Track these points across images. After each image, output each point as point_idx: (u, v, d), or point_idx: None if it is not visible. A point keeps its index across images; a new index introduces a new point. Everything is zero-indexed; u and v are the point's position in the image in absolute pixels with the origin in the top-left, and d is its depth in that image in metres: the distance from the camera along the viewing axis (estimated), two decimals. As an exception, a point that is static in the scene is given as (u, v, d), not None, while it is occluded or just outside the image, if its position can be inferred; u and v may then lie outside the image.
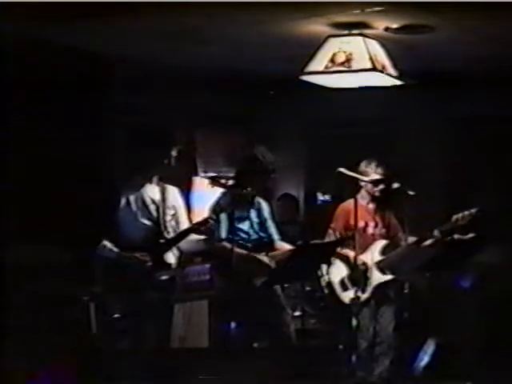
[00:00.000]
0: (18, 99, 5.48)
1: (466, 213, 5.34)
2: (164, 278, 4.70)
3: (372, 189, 5.67)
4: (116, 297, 4.61)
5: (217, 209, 5.05)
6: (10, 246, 5.33)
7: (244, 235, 5.28)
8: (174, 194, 4.91)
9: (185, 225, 4.87)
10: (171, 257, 4.79)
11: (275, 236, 5.44)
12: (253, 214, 5.37)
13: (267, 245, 5.34)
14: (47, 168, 5.66)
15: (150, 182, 4.81)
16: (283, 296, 5.37)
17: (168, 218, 4.80)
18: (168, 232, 4.78)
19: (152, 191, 4.80)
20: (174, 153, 4.76)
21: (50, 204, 5.48)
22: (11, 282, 5.21)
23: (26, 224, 5.39)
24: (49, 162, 5.67)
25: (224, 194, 5.19)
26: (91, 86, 5.94)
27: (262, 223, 5.39)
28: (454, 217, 5.37)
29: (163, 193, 4.82)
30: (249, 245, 5.23)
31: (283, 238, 5.46)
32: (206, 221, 4.74)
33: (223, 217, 5.13)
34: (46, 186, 5.59)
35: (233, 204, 4.99)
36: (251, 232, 5.32)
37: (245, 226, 5.30)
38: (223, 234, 5.15)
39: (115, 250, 4.60)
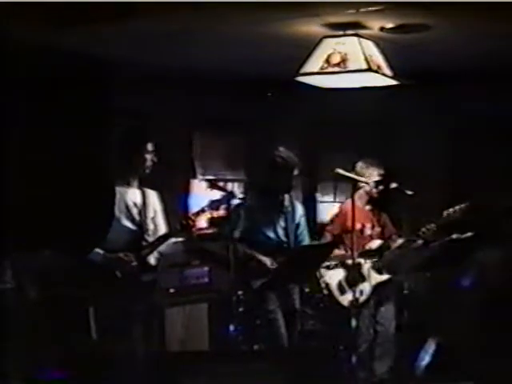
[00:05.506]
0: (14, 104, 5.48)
1: (457, 207, 5.39)
2: (148, 279, 4.79)
3: (371, 190, 5.67)
4: (108, 300, 4.62)
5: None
6: (9, 252, 5.31)
7: (265, 239, 5.27)
8: (153, 197, 4.99)
9: (162, 228, 4.96)
10: (152, 259, 4.87)
11: (306, 241, 5.42)
12: (281, 218, 5.34)
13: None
14: (41, 173, 5.63)
15: (130, 185, 4.87)
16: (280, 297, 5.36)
17: (149, 220, 4.89)
18: (149, 235, 4.87)
19: (133, 194, 4.88)
20: (149, 147, 4.78)
21: (43, 210, 5.45)
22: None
23: (23, 230, 5.36)
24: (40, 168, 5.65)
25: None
26: (86, 88, 5.91)
27: (289, 228, 5.34)
28: (445, 212, 5.41)
29: (144, 196, 4.89)
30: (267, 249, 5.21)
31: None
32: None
33: (242, 218, 5.15)
34: (38, 192, 5.55)
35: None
36: (273, 236, 5.30)
37: (269, 230, 5.28)
38: (236, 234, 5.11)
39: (100, 252, 4.66)
